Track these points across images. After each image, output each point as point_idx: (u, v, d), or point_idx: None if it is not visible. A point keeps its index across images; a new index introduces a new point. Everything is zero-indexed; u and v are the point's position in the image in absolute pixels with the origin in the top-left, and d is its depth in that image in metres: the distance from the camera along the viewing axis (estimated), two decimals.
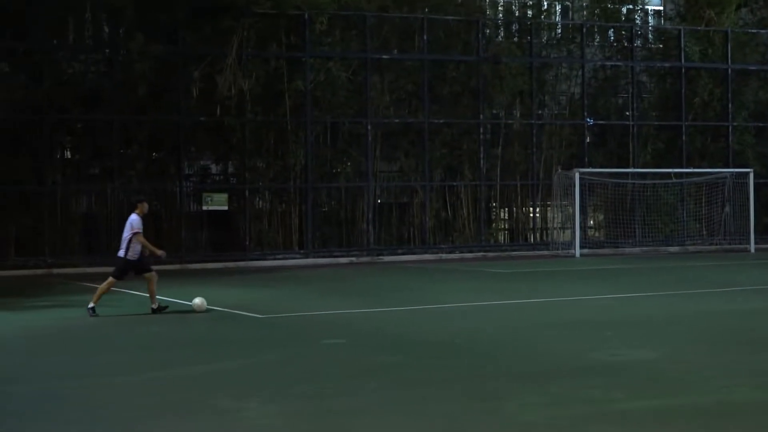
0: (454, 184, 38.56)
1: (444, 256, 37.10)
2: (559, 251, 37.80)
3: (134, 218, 19.69)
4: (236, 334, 17.24)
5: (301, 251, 35.60)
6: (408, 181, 38.25)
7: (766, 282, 26.09)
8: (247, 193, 35.43)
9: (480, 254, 37.43)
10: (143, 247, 19.67)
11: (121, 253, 19.65)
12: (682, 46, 41.09)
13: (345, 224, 36.94)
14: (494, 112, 40.48)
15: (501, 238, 40.56)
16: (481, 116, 38.46)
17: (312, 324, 18.33)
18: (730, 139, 41.50)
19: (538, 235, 40.56)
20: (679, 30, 41.61)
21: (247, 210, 35.33)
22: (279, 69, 35.70)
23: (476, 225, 38.63)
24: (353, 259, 35.85)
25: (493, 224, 40.43)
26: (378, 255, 36.23)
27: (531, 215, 40.59)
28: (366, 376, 12.95)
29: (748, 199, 39.24)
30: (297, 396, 11.67)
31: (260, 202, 36.41)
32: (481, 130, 38.56)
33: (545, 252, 38.34)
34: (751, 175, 39.36)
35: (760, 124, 42.39)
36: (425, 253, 37.00)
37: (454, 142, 38.77)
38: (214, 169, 37.94)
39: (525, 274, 30.26)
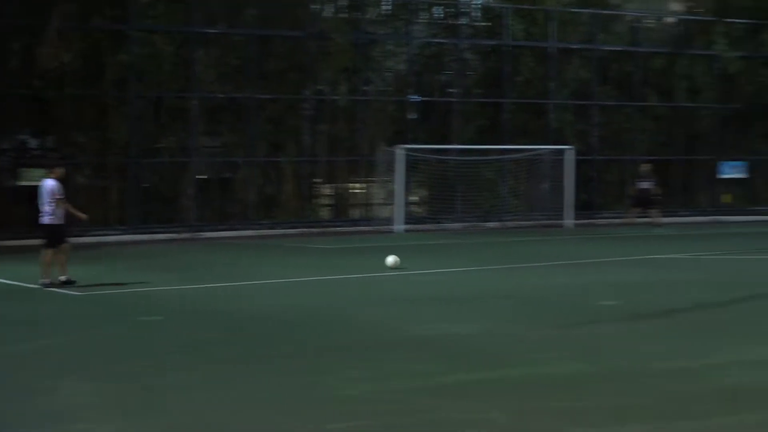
0: (278, 159, 38.43)
1: (266, 232, 36.85)
2: (382, 227, 37.98)
3: (53, 184, 19.63)
4: (53, 312, 16.94)
5: (122, 227, 34.99)
6: (231, 156, 37.97)
7: (582, 256, 26.71)
8: (67, 168, 34.65)
9: (303, 230, 37.34)
10: (67, 211, 19.59)
11: (46, 219, 19.51)
12: (507, 24, 41.62)
13: (167, 200, 36.46)
14: (320, 88, 40.38)
15: (324, 214, 40.56)
16: (307, 92, 38.37)
17: (131, 301, 18.10)
18: (551, 116, 42.25)
19: (361, 211, 40.71)
20: (504, 8, 42.11)
21: (67, 185, 34.53)
22: (102, 42, 35.00)
23: (299, 201, 38.55)
24: (174, 235, 35.32)
25: (316, 200, 40.41)
26: (199, 231, 35.81)
27: (354, 191, 40.67)
28: (184, 352, 12.85)
29: (565, 175, 39.98)
30: (113, 374, 11.53)
31: (80, 178, 35.70)
32: (307, 106, 38.49)
33: (368, 228, 38.47)
34: (570, 152, 40.12)
35: (580, 103, 43.19)
36: (248, 229, 36.69)
37: (279, 118, 38.58)
38: (33, 143, 37.02)
39: (348, 249, 30.37)
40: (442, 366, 11.84)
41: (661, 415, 9.68)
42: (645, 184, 38.54)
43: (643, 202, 38.54)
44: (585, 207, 41.48)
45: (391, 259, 23.07)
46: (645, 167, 38.99)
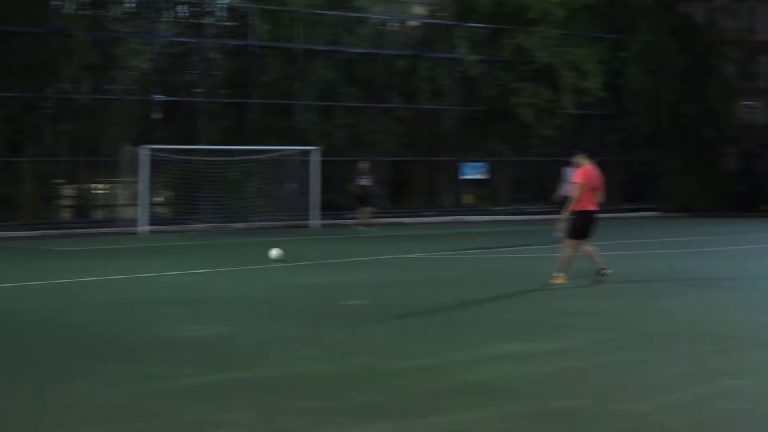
0: (17, 159, 37.32)
1: (5, 234, 35.72)
2: (127, 228, 37.34)
3: None
4: None
5: None
6: None
7: (328, 256, 26.87)
8: None
9: (44, 232, 36.34)
10: None
11: None
12: (253, 24, 41.54)
13: None
14: (61, 86, 39.41)
15: (66, 215, 39.64)
16: (48, 90, 37.40)
17: None
18: (297, 117, 42.38)
19: (104, 212, 39.96)
20: (250, 8, 42.01)
21: None
22: None
23: (40, 202, 37.56)
24: None
25: (58, 201, 39.44)
26: None
27: (97, 192, 39.88)
28: None
29: (311, 176, 40.20)
30: None
31: None
32: (47, 104, 37.52)
33: (112, 229, 37.76)
34: (316, 153, 40.33)
35: (326, 104, 43.50)
36: None
37: (18, 116, 37.49)
38: None
39: (92, 251, 29.71)
40: (189, 368, 11.65)
41: (407, 413, 9.76)
42: (364, 181, 39.24)
43: (364, 199, 39.19)
44: (331, 207, 41.77)
45: (274, 252, 23.70)
46: (363, 165, 39.68)
